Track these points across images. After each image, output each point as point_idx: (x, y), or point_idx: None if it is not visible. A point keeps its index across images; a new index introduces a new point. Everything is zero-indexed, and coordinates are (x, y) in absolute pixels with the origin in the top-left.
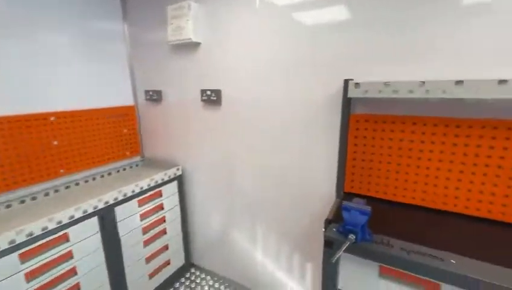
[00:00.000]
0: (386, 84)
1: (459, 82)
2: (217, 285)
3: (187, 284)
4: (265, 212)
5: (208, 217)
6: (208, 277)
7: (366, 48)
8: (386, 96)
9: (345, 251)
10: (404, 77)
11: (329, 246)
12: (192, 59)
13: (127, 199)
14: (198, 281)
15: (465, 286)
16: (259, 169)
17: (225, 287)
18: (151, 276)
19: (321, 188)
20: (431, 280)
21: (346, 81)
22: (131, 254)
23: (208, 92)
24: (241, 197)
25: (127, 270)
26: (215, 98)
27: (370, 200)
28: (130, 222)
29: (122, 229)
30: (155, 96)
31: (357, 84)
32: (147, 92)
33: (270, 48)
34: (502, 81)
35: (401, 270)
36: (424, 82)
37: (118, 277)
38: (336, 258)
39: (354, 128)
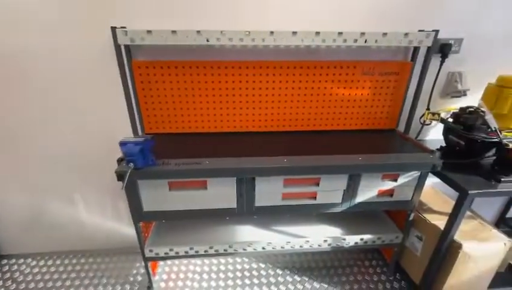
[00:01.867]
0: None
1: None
2: (42, 263)
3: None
4: (75, 171)
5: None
6: (29, 260)
7: None
8: (157, 43)
9: (135, 178)
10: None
11: (120, 179)
12: None
13: None
14: (15, 269)
15: (218, 175)
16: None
17: (54, 261)
18: None
19: (122, 134)
20: (198, 179)
21: (113, 29)
22: None
23: None
24: (44, 164)
25: None
26: None
27: (167, 135)
28: None
29: None
30: None
31: (125, 32)
32: None
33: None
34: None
35: (179, 180)
36: (199, 31)
37: None
38: (123, 186)
39: (138, 74)
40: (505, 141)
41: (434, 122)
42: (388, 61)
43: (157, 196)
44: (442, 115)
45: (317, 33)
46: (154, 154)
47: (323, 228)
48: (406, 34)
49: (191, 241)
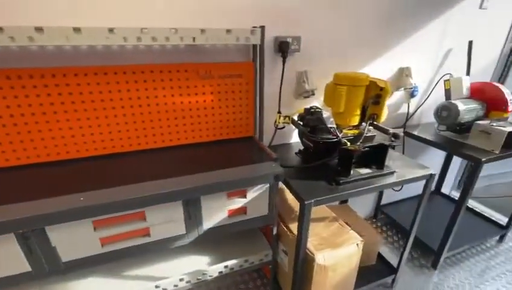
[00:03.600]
0: None
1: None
2: None
3: None
4: None
5: None
6: None
7: None
8: None
9: None
10: None
11: None
12: None
13: None
14: None
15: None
16: None
17: None
18: None
19: None
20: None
21: None
22: None
23: None
24: None
25: None
26: None
27: None
28: None
29: None
30: None
31: None
32: None
33: None
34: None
35: None
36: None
37: None
38: None
39: None
40: (343, 139)
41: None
42: (227, 63)
43: None
44: (296, 117)
45: (144, 30)
46: None
47: (180, 262)
48: (229, 31)
49: None
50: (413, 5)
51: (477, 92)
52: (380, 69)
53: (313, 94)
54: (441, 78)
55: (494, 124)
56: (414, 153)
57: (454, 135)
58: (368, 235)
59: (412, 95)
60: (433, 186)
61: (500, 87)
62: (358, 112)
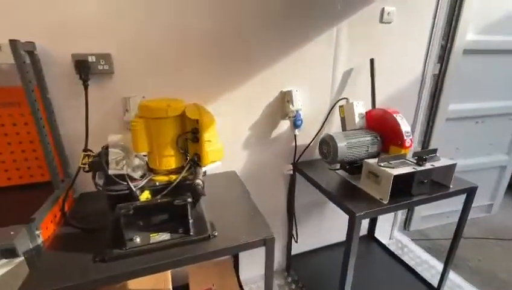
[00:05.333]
0: None
1: None
2: None
3: None
4: None
5: None
6: None
7: None
8: None
9: None
10: None
11: None
12: None
13: None
14: None
15: None
16: None
17: None
18: None
19: None
20: None
21: None
22: None
23: None
24: None
25: None
26: None
27: None
28: None
29: None
30: None
31: None
32: None
33: None
34: None
35: None
36: None
37: None
38: None
39: None
40: (136, 191)
41: None
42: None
43: None
44: None
45: None
46: None
47: None
48: None
49: None
50: (298, 14)
51: (375, 122)
52: (257, 92)
53: None
54: (335, 104)
55: (382, 164)
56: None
57: (347, 175)
58: None
59: (295, 125)
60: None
61: (397, 117)
62: (172, 152)
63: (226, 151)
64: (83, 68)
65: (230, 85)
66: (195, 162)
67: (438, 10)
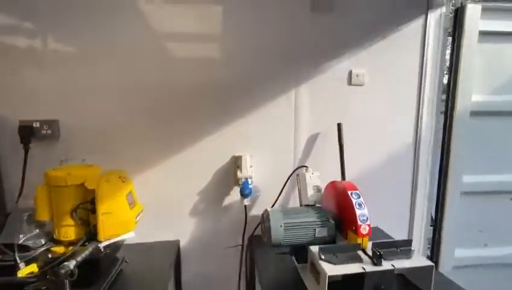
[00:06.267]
0: None
1: None
2: None
3: None
4: None
5: None
6: None
7: None
8: None
9: None
10: None
11: None
12: None
13: None
14: None
15: None
16: None
17: None
18: None
19: None
20: None
21: None
22: None
23: None
24: None
25: None
26: None
27: None
28: None
29: None
30: None
31: None
32: None
33: None
34: None
35: None
36: None
37: None
38: None
39: None
40: (21, 263)
41: None
42: None
43: None
44: None
45: None
46: None
47: None
48: None
49: None
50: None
51: (331, 198)
52: (207, 156)
53: None
54: (292, 173)
55: (324, 256)
56: None
57: (297, 263)
58: None
59: (242, 194)
60: None
61: (352, 194)
62: (71, 221)
63: (170, 217)
64: (25, 133)
65: (177, 148)
66: (92, 234)
67: (423, 74)
